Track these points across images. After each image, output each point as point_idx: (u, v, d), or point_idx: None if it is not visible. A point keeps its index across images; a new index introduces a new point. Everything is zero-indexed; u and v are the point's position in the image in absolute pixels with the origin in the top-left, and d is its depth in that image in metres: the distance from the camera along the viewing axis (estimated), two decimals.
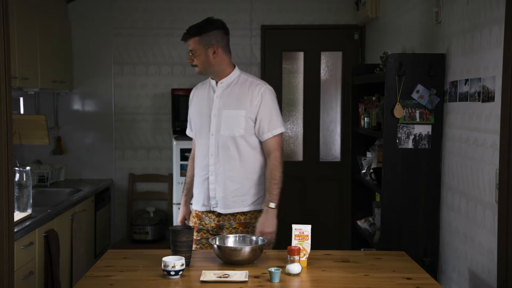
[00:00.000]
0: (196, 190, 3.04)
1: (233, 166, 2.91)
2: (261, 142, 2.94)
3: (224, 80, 2.95)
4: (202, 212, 2.99)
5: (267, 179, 2.92)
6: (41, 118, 4.21)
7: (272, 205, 2.89)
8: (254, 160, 2.94)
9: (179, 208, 4.61)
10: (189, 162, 3.18)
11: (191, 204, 3.14)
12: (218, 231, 2.95)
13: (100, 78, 5.10)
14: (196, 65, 2.93)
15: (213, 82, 2.99)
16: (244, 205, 2.94)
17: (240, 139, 2.90)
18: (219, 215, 2.94)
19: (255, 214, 2.95)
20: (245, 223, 2.93)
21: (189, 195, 3.16)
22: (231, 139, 2.89)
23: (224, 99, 2.94)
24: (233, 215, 2.93)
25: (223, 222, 2.94)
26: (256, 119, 2.90)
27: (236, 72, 3.00)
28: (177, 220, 3.20)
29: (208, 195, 2.95)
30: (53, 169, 4.69)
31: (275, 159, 2.91)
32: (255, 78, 3.03)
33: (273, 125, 2.92)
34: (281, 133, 2.95)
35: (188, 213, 3.16)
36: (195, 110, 3.05)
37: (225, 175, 2.91)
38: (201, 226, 2.99)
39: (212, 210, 2.96)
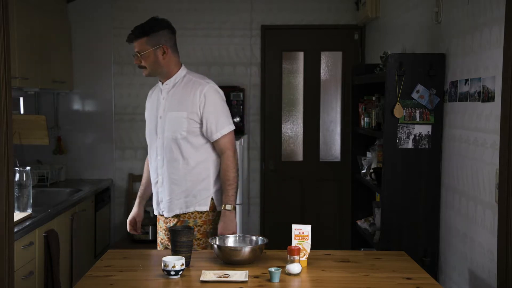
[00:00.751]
0: (153, 192, 3.02)
1: (176, 168, 2.86)
2: (209, 142, 2.87)
3: (168, 81, 2.90)
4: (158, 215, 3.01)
5: (221, 180, 2.86)
6: (41, 118, 4.21)
7: (229, 207, 2.82)
8: (199, 161, 2.87)
9: None
10: (145, 164, 3.14)
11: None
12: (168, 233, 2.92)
13: (100, 78, 5.10)
14: (144, 67, 2.85)
15: (160, 83, 2.94)
16: (186, 206, 2.87)
17: (183, 141, 2.83)
18: (166, 218, 2.94)
19: (195, 213, 2.87)
20: (183, 221, 2.87)
21: (143, 197, 3.12)
22: (174, 141, 2.84)
23: (169, 101, 2.88)
24: (177, 216, 2.89)
25: (169, 224, 2.91)
26: (201, 120, 2.83)
27: (182, 71, 2.93)
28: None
29: (158, 199, 2.94)
30: (53, 169, 4.69)
31: (227, 158, 2.85)
32: (201, 78, 2.94)
33: (221, 125, 2.84)
34: (232, 132, 2.88)
35: (139, 215, 3.10)
36: (147, 114, 3.03)
37: (169, 178, 2.87)
38: (164, 227, 2.98)
39: (161, 213, 2.95)
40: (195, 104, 2.83)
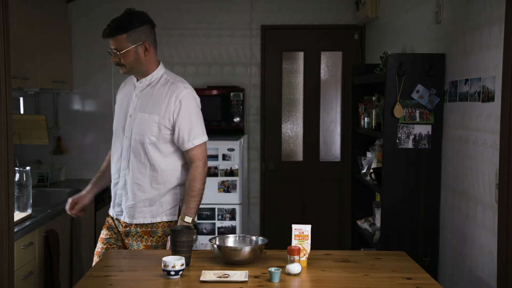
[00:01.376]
0: (111, 192, 2.86)
1: (142, 174, 2.70)
2: (179, 150, 2.73)
3: (144, 79, 2.73)
4: (110, 217, 2.86)
5: (186, 190, 2.70)
6: (41, 118, 4.20)
7: (188, 219, 2.66)
8: (167, 169, 2.72)
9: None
10: (107, 155, 2.94)
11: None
12: (124, 237, 2.80)
13: (100, 78, 5.10)
14: (123, 65, 2.67)
15: (135, 79, 2.78)
16: (152, 216, 2.74)
17: (151, 146, 2.68)
18: (124, 222, 2.79)
19: (163, 223, 2.76)
20: (151, 231, 2.75)
21: (96, 185, 2.95)
22: (141, 145, 2.68)
23: (141, 100, 2.72)
24: (139, 224, 2.75)
25: (129, 229, 2.77)
26: (174, 127, 2.67)
27: (159, 71, 2.77)
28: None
29: (116, 201, 2.79)
30: (53, 169, 4.69)
31: (195, 169, 2.69)
32: (179, 81, 2.76)
33: (194, 135, 2.69)
34: (205, 143, 2.74)
35: (84, 199, 2.93)
36: (117, 108, 2.85)
37: (134, 183, 2.71)
38: (112, 226, 2.84)
39: (117, 218, 2.81)
40: (168, 109, 2.66)
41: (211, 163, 4.54)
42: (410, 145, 3.14)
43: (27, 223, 3.16)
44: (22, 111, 4.76)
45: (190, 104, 2.71)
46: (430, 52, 3.32)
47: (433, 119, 3.13)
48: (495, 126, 2.50)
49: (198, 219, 4.58)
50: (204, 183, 2.74)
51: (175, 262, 2.28)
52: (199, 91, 4.78)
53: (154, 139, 2.68)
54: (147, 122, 2.68)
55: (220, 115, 4.78)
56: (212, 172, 4.54)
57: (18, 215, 3.19)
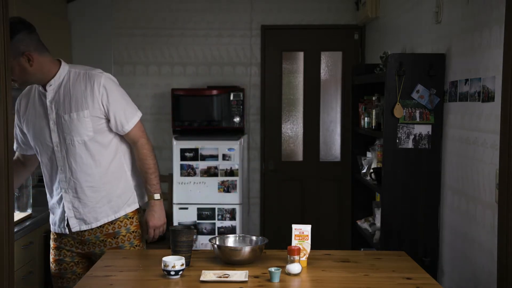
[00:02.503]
0: (52, 212, 2.74)
1: (89, 174, 2.61)
2: (117, 136, 2.67)
3: (52, 81, 2.58)
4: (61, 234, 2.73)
5: (141, 171, 2.68)
6: None
7: (157, 196, 2.68)
8: (111, 159, 2.65)
9: (179, 208, 4.63)
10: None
11: None
12: (84, 247, 2.71)
13: None
14: (14, 80, 2.49)
15: (39, 87, 2.62)
16: (114, 212, 2.68)
17: (90, 142, 2.59)
18: (81, 231, 2.67)
19: (125, 220, 2.71)
20: (114, 233, 2.69)
21: None
22: (80, 145, 2.58)
23: (59, 103, 2.57)
24: (100, 227, 2.67)
25: (88, 237, 2.68)
26: (107, 115, 2.59)
27: (64, 68, 2.63)
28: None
29: (64, 216, 2.65)
30: None
31: (142, 147, 2.66)
32: (90, 69, 2.65)
33: (130, 115, 2.64)
34: (139, 119, 2.69)
35: None
36: (29, 126, 2.66)
37: (86, 187, 2.62)
38: (62, 245, 2.73)
39: (73, 232, 2.66)
40: (95, 99, 2.56)
41: (211, 163, 4.55)
42: (410, 145, 3.14)
43: (27, 223, 3.17)
44: None
45: (113, 87, 2.62)
46: (430, 52, 3.32)
47: (433, 119, 3.13)
48: (495, 126, 2.50)
49: (198, 219, 4.58)
50: (155, 157, 2.72)
51: (175, 262, 2.28)
52: (199, 91, 4.83)
53: (91, 134, 2.58)
54: (78, 120, 2.56)
55: (220, 115, 4.78)
56: (212, 172, 4.54)
57: (18, 215, 3.19)
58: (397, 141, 3.14)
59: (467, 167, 2.82)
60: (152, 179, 2.68)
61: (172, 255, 2.41)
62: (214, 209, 4.56)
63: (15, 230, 2.91)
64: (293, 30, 5.17)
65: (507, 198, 2.16)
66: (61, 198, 2.67)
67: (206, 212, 4.55)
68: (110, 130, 2.65)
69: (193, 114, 4.78)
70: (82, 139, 2.58)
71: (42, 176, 4.47)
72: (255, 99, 5.18)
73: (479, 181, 2.68)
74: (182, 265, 2.30)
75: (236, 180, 4.52)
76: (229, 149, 4.51)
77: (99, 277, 2.34)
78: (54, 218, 2.74)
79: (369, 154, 3.88)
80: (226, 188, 4.54)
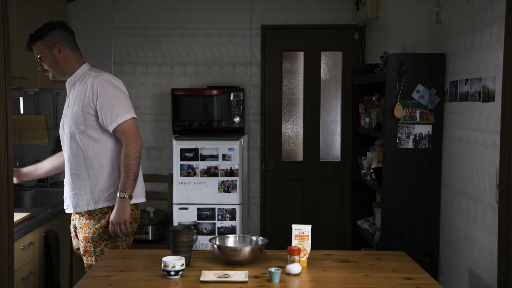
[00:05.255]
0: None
1: (77, 163, 2.90)
2: (112, 135, 2.90)
3: (70, 78, 2.96)
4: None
5: (121, 169, 2.87)
6: (41, 118, 4.20)
7: (122, 194, 2.83)
8: (100, 154, 2.89)
9: (179, 208, 4.64)
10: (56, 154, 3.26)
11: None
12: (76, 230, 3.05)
13: None
14: (47, 70, 2.94)
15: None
16: (94, 202, 2.91)
17: (81, 134, 2.88)
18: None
19: (99, 214, 2.94)
20: (88, 223, 2.94)
21: (36, 171, 3.26)
22: (73, 136, 2.89)
23: (70, 97, 2.96)
24: (82, 214, 2.94)
25: (76, 221, 3.01)
26: (96, 111, 2.86)
27: (83, 68, 3.00)
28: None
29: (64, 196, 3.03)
30: None
31: (125, 147, 2.85)
32: (98, 72, 2.97)
33: (116, 114, 2.84)
34: (130, 120, 2.88)
35: (18, 174, 3.22)
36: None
37: (73, 174, 2.93)
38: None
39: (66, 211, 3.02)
40: (88, 97, 2.86)
41: (211, 163, 4.54)
42: (410, 145, 3.14)
43: (27, 223, 3.16)
44: (22, 111, 4.75)
45: (106, 87, 2.88)
46: (430, 52, 3.32)
47: (434, 119, 3.12)
48: (495, 126, 2.50)
49: (198, 219, 4.58)
50: (136, 158, 2.86)
51: (175, 262, 2.29)
52: (199, 91, 4.83)
53: (83, 128, 2.86)
54: (74, 114, 2.88)
55: (220, 115, 4.78)
56: (212, 172, 4.54)
57: (18, 215, 3.18)
58: (398, 141, 3.14)
59: (467, 167, 2.82)
60: (124, 178, 2.84)
61: (172, 255, 2.41)
62: (214, 209, 4.56)
63: (15, 230, 2.90)
64: (293, 30, 5.17)
65: (507, 198, 2.16)
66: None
67: (206, 212, 4.55)
68: (102, 128, 2.89)
69: (193, 114, 4.77)
70: (75, 131, 2.88)
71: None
72: (255, 99, 5.18)
73: (479, 181, 2.68)
74: (182, 265, 2.30)
75: (236, 180, 4.52)
76: (229, 149, 4.51)
77: (99, 277, 2.34)
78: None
79: (369, 154, 3.88)
80: (226, 188, 4.54)
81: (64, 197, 3.04)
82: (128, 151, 2.83)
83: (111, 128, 2.86)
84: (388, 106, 3.12)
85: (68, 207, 3.00)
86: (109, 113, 2.84)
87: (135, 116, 2.93)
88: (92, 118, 2.86)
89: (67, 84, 2.99)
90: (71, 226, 3.11)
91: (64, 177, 3.06)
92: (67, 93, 3.01)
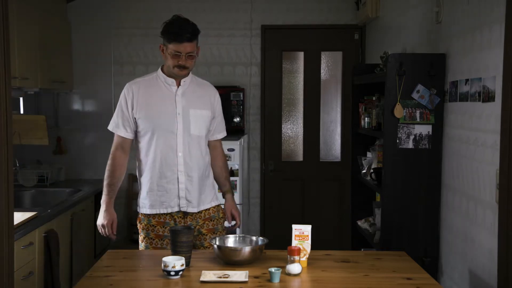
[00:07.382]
0: (154, 193, 2.86)
1: (201, 164, 2.93)
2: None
3: (186, 79, 2.91)
4: (165, 215, 2.86)
5: (222, 172, 3.08)
6: (41, 118, 4.20)
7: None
8: (208, 157, 3.01)
9: None
10: (111, 163, 2.90)
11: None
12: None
13: (100, 78, 5.10)
14: (187, 67, 2.80)
15: (168, 79, 2.86)
16: (209, 200, 2.97)
17: (203, 138, 2.94)
18: (184, 215, 2.87)
19: (217, 207, 3.01)
20: (209, 217, 2.95)
21: (113, 196, 2.93)
22: (197, 138, 2.90)
23: (187, 98, 2.88)
24: (199, 212, 2.92)
25: (190, 222, 2.87)
26: (212, 120, 2.98)
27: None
28: (102, 223, 2.87)
29: (178, 195, 2.85)
30: (53, 169, 4.69)
31: (222, 153, 3.13)
32: (201, 80, 3.07)
33: (224, 126, 3.09)
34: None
35: (114, 216, 2.91)
36: (154, 110, 2.85)
37: (198, 173, 2.90)
38: (166, 221, 2.86)
39: (180, 210, 2.86)
40: (213, 104, 2.97)
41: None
42: (410, 145, 3.14)
43: (27, 223, 3.16)
44: (22, 111, 4.75)
45: (220, 100, 3.06)
46: (430, 52, 3.32)
47: (434, 119, 3.12)
48: (495, 126, 2.50)
49: None
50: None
51: (175, 262, 2.28)
52: None
53: (205, 131, 2.94)
54: (201, 117, 2.90)
55: None
56: None
57: (18, 215, 3.18)
58: (397, 141, 3.14)
59: (467, 167, 2.82)
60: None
61: (172, 255, 2.41)
62: None
63: (15, 230, 2.90)
64: (293, 30, 5.17)
65: (507, 198, 2.16)
66: (173, 179, 2.86)
67: None
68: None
69: None
70: (201, 133, 2.92)
71: (42, 176, 4.45)
72: (255, 99, 5.18)
73: (479, 181, 2.68)
74: (182, 265, 2.30)
75: (236, 180, 4.52)
76: (229, 149, 4.50)
77: (99, 277, 2.34)
78: (158, 200, 2.87)
79: (369, 154, 3.88)
80: None
81: (180, 195, 2.85)
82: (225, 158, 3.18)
83: (219, 137, 3.06)
84: (388, 106, 3.12)
85: (193, 207, 2.88)
86: (221, 123, 3.06)
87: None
88: (210, 124, 2.98)
89: (182, 83, 2.87)
90: (144, 225, 2.90)
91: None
92: (171, 92, 2.85)
